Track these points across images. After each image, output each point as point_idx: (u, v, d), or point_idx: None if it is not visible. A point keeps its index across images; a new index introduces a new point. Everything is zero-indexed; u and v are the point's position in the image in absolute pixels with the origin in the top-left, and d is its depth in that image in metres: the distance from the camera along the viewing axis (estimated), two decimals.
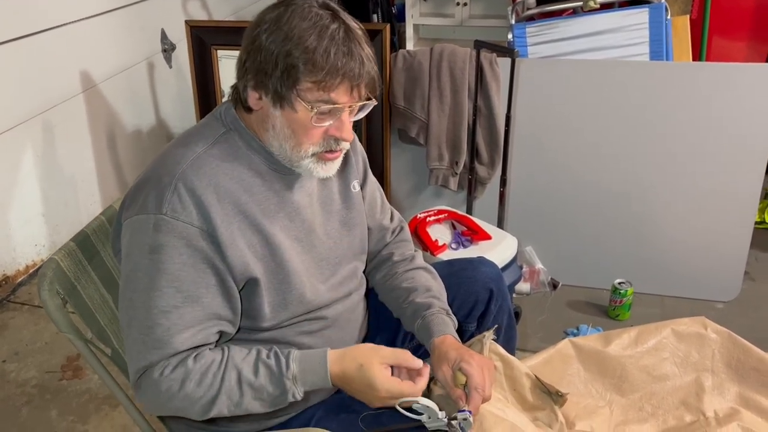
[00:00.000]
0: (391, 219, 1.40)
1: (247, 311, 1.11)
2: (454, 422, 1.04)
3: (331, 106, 1.01)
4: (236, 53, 1.09)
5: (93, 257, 1.22)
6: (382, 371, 1.04)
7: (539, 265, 2.33)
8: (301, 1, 1.02)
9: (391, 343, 1.42)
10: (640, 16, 2.11)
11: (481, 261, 1.45)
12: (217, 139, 1.09)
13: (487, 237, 1.95)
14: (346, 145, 1.09)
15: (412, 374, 1.08)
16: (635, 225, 2.24)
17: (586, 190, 2.24)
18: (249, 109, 1.07)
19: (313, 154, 1.06)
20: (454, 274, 1.40)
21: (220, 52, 2.36)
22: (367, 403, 1.07)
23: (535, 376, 1.29)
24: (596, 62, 2.09)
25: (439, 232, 2.02)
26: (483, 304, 1.39)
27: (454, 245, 1.95)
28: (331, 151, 1.07)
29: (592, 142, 2.18)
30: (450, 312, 1.28)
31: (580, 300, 2.30)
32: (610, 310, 2.20)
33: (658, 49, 2.12)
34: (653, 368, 1.61)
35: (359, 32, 1.04)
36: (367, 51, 1.03)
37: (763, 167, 2.09)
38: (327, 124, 1.04)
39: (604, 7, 2.18)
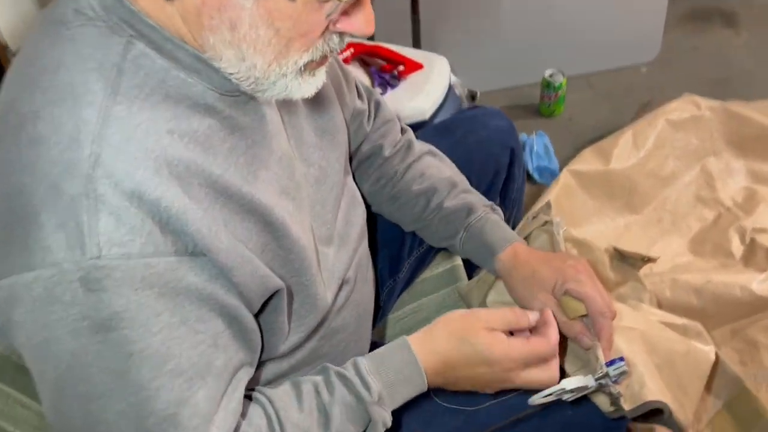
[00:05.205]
0: (359, 94, 0.92)
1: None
2: (606, 380, 0.72)
3: None
4: None
5: None
6: (497, 336, 0.69)
7: (452, 78, 1.95)
8: None
9: (396, 260, 1.04)
10: None
11: (485, 113, 1.05)
12: (118, 64, 0.55)
13: (418, 66, 1.52)
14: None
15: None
16: (545, 3, 1.91)
17: None
18: None
19: (299, 66, 0.59)
20: (459, 142, 1.00)
21: None
22: (482, 390, 0.72)
23: (614, 248, 0.99)
24: None
25: None
26: (505, 170, 1.03)
27: (379, 89, 1.50)
28: (325, 57, 0.61)
29: None
30: (494, 205, 0.90)
31: (505, 105, 1.99)
32: (543, 107, 1.93)
33: None
34: (659, 169, 1.40)
35: None
36: None
37: None
38: (332, 6, 0.56)
39: None
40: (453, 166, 0.93)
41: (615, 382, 0.72)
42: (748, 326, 1.11)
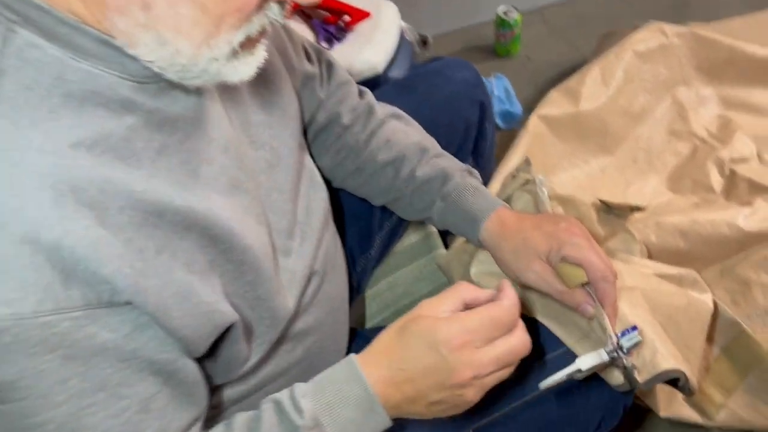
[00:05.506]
0: (308, 56, 0.80)
1: (215, 371, 0.57)
2: (620, 353, 0.65)
3: None
4: None
5: None
6: (438, 317, 0.56)
7: (402, 24, 1.83)
8: None
9: (366, 235, 0.95)
10: None
11: (448, 65, 0.95)
12: None
13: (364, 14, 1.39)
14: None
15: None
16: None
17: None
18: None
19: (234, 46, 0.48)
20: (423, 100, 0.91)
21: None
22: (460, 394, 0.56)
23: (600, 201, 0.92)
24: None
25: None
26: (475, 126, 0.94)
27: (325, 44, 1.37)
28: (264, 30, 0.50)
29: None
30: (471, 168, 0.81)
31: (458, 49, 1.89)
32: (499, 47, 1.83)
33: None
34: (630, 106, 1.32)
35: None
36: None
37: None
38: None
39: None
40: (421, 128, 0.83)
41: (627, 353, 0.65)
42: (737, 264, 1.07)
